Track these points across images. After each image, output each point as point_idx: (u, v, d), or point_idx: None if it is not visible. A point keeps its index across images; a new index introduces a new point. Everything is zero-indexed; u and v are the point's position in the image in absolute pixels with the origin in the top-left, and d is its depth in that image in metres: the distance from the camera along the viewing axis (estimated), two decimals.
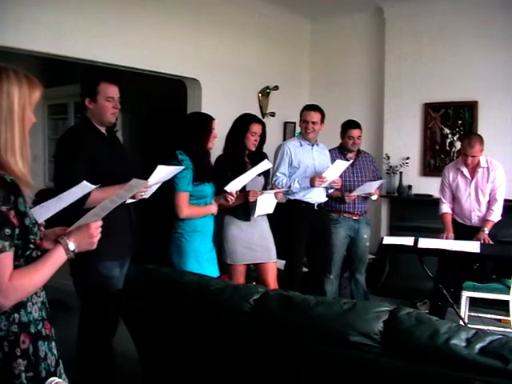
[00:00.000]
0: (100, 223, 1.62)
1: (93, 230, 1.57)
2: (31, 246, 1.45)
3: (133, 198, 2.64)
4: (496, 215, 3.95)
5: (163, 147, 3.11)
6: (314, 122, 4.00)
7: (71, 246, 1.51)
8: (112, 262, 2.70)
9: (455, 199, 4.13)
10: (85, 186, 1.78)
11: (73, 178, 2.19)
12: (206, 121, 3.17)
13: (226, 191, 3.24)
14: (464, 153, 3.95)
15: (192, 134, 3.12)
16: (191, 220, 3.09)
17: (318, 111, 4.04)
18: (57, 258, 1.48)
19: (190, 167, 3.04)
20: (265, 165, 3.38)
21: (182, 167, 2.89)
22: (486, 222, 3.96)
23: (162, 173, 2.72)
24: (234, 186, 3.26)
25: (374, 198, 4.41)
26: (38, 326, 1.48)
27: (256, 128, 3.46)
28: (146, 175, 2.58)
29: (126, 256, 2.84)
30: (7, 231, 1.34)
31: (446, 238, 3.90)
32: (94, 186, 1.79)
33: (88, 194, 2.38)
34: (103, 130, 2.78)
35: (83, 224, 1.60)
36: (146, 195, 2.72)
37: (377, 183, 4.37)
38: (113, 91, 2.72)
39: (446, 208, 4.15)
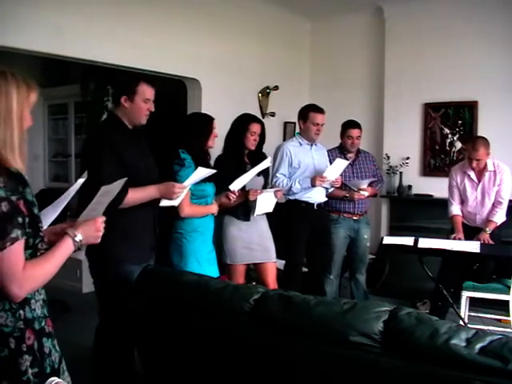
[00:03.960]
0: (104, 218, 1.69)
1: (99, 224, 1.65)
2: (41, 233, 1.50)
3: (169, 199, 2.73)
4: (499, 217, 3.92)
5: (163, 147, 3.10)
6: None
7: (79, 236, 1.57)
8: (134, 265, 2.62)
9: (462, 201, 4.11)
10: (79, 182, 1.80)
11: (105, 179, 2.16)
12: (207, 121, 3.18)
13: (229, 189, 3.26)
14: (469, 156, 3.92)
15: (192, 134, 3.13)
16: (191, 220, 3.09)
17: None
18: (65, 248, 1.54)
19: (192, 166, 3.04)
20: (265, 163, 3.41)
21: (215, 170, 2.94)
22: (489, 222, 3.94)
23: (199, 174, 2.82)
24: (237, 185, 3.28)
25: (365, 194, 4.36)
26: (42, 323, 1.51)
27: (255, 127, 3.47)
28: None
29: (148, 259, 2.76)
30: (20, 220, 1.39)
31: (455, 239, 3.85)
32: (83, 179, 1.79)
33: (124, 194, 2.45)
34: (131, 128, 2.75)
35: (90, 218, 1.67)
36: (178, 200, 2.79)
37: (367, 181, 4.37)
38: (150, 93, 2.71)
39: (456, 210, 4.09)
